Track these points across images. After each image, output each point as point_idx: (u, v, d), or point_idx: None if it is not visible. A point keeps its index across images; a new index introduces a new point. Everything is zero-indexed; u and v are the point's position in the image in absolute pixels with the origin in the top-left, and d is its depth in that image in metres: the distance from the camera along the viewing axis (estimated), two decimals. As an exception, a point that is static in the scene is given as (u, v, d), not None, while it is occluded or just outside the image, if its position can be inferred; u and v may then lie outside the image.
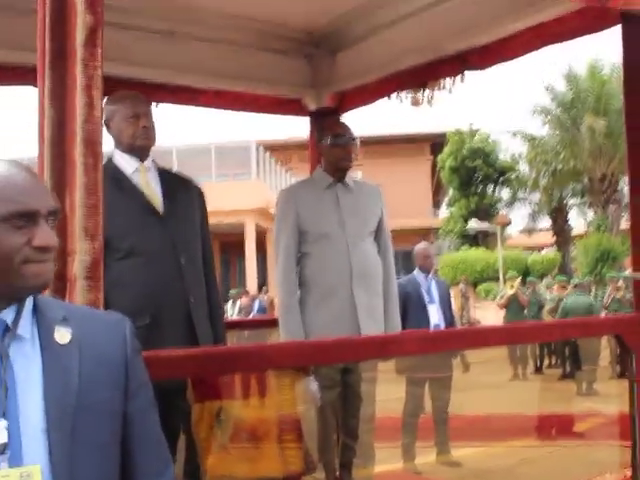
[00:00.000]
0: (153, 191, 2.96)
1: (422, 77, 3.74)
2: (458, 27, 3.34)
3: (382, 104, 4.08)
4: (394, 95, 3.94)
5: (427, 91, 3.81)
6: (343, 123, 3.79)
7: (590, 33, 3.00)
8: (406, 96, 3.90)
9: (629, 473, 2.95)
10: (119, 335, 1.44)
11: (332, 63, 4.08)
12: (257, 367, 2.17)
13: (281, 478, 3.71)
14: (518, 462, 5.62)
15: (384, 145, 34.92)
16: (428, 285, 6.50)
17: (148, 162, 3.00)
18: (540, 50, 3.16)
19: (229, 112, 4.48)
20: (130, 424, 1.39)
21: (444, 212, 38.04)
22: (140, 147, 2.96)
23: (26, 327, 1.34)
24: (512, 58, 3.32)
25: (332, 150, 3.61)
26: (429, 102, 3.86)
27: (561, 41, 3.10)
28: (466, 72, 3.55)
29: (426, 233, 31.09)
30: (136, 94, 3.06)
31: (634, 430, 2.88)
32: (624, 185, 27.31)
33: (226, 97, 4.07)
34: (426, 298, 6.40)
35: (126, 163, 2.95)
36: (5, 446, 1.23)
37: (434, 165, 35.67)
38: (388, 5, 3.53)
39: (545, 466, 5.49)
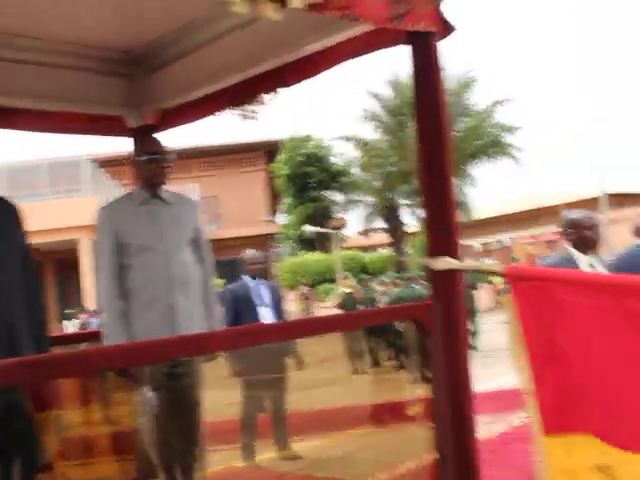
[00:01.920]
0: None
1: (242, 94, 3.88)
2: (271, 45, 3.47)
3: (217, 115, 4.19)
4: (220, 112, 4.08)
5: (249, 107, 3.99)
6: (156, 140, 3.93)
7: (385, 48, 3.24)
8: (233, 112, 4.06)
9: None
10: None
11: (152, 82, 4.15)
12: (79, 371, 2.25)
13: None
14: (356, 449, 5.94)
15: (220, 156, 34.84)
16: (259, 289, 6.75)
17: None
18: (341, 65, 3.38)
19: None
20: None
21: (282, 219, 38.44)
22: None
23: None
24: (317, 74, 3.51)
25: (147, 166, 3.78)
26: (254, 117, 4.04)
27: (359, 56, 3.33)
28: (280, 88, 3.75)
29: (264, 240, 31.33)
30: None
31: (435, 409, 3.14)
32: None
33: (47, 119, 4.07)
34: (257, 301, 6.67)
35: None
36: None
37: (270, 173, 35.95)
38: (206, 24, 3.62)
39: (380, 450, 5.83)
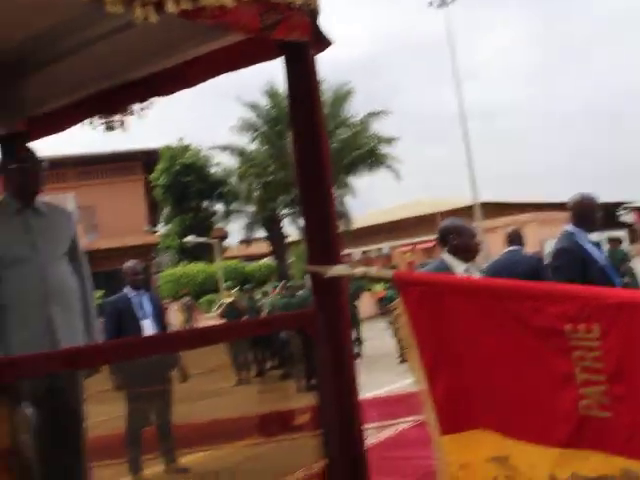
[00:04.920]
0: None
1: (111, 103, 3.77)
2: (141, 53, 3.39)
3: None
4: (86, 121, 3.95)
5: (118, 116, 3.89)
6: (28, 148, 3.79)
7: (260, 62, 3.19)
8: (99, 122, 3.93)
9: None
10: None
11: (18, 89, 3.94)
12: None
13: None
14: (243, 460, 5.90)
15: (96, 165, 34.17)
16: (140, 300, 6.63)
17: None
18: (219, 76, 3.35)
19: None
20: None
21: (161, 229, 37.96)
22: None
23: None
24: (193, 84, 3.44)
25: (17, 175, 3.62)
26: (122, 127, 3.94)
27: (235, 69, 3.28)
28: (152, 98, 3.68)
29: (144, 251, 30.80)
30: None
31: (322, 417, 3.15)
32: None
33: None
34: (139, 313, 6.54)
35: None
36: None
37: (148, 183, 35.46)
38: (74, 31, 3.44)
39: (268, 460, 5.81)
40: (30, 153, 3.71)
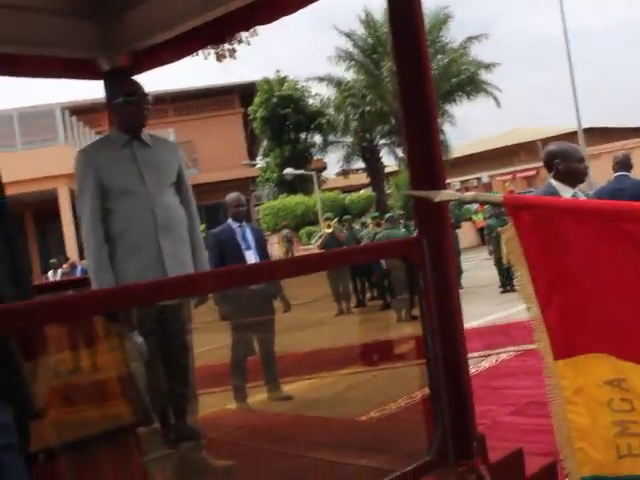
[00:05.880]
0: None
1: (217, 33, 3.75)
2: None
3: (186, 60, 4.09)
4: (196, 52, 3.97)
5: (227, 45, 3.88)
6: (134, 81, 3.80)
7: None
8: (209, 52, 3.95)
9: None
10: None
11: (122, 23, 4.00)
12: (68, 317, 2.19)
13: (115, 431, 3.80)
14: (344, 388, 6.01)
15: (194, 100, 34.50)
16: (243, 232, 6.69)
17: None
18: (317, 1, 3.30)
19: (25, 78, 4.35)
20: None
21: (260, 162, 38.28)
22: None
23: None
24: (294, 10, 3.39)
25: (124, 109, 3.66)
26: (232, 56, 3.93)
27: None
28: (255, 26, 3.66)
29: (243, 184, 31.17)
30: None
31: (427, 346, 3.13)
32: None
33: (16, 63, 3.91)
34: (242, 245, 6.61)
35: None
36: None
37: (246, 116, 35.65)
38: None
39: (368, 388, 5.90)
40: (136, 86, 3.74)
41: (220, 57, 3.97)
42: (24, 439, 2.67)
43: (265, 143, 36.61)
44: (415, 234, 3.08)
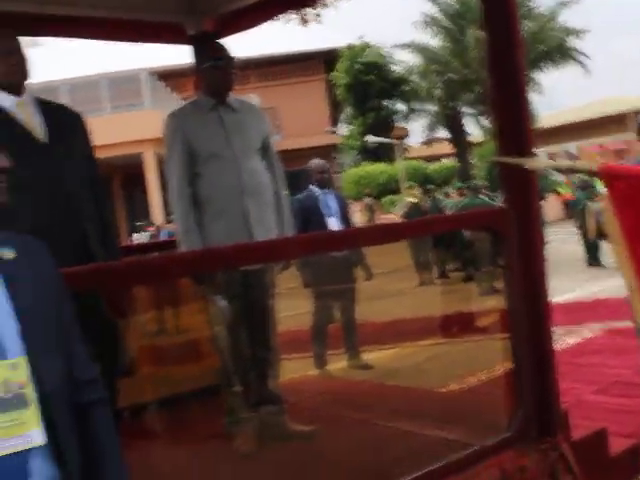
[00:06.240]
0: (36, 123, 2.97)
1: None
2: None
3: (269, 25, 4.09)
4: (280, 16, 3.96)
5: (311, 9, 3.86)
6: (221, 45, 3.80)
7: None
8: (292, 17, 3.93)
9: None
10: (48, 256, 1.59)
11: None
12: (157, 277, 2.23)
13: (199, 392, 3.89)
14: (424, 359, 5.97)
15: (276, 66, 34.47)
16: (325, 199, 6.68)
17: (26, 97, 3.01)
18: None
19: (112, 42, 4.42)
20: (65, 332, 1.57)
21: (343, 129, 38.11)
22: (15, 83, 2.97)
23: None
24: None
25: (212, 73, 3.67)
26: (316, 20, 3.91)
27: None
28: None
29: (326, 151, 31.11)
30: (4, 30, 3.02)
31: (511, 320, 3.07)
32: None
33: (106, 27, 3.99)
34: (325, 211, 6.60)
35: (3, 100, 2.94)
36: None
37: (329, 82, 35.47)
38: None
39: (448, 360, 5.85)
40: (223, 51, 3.75)
41: (304, 21, 3.95)
42: (112, 395, 2.76)
43: (348, 110, 36.38)
44: (501, 204, 3.03)
